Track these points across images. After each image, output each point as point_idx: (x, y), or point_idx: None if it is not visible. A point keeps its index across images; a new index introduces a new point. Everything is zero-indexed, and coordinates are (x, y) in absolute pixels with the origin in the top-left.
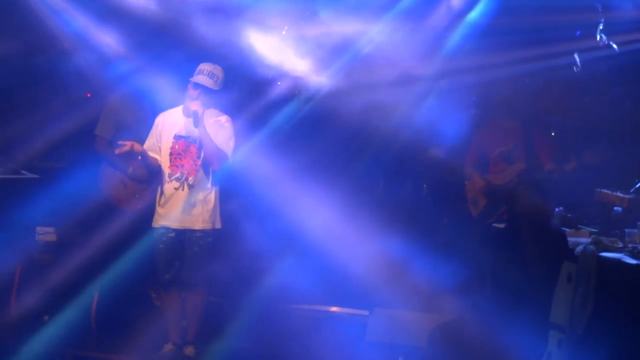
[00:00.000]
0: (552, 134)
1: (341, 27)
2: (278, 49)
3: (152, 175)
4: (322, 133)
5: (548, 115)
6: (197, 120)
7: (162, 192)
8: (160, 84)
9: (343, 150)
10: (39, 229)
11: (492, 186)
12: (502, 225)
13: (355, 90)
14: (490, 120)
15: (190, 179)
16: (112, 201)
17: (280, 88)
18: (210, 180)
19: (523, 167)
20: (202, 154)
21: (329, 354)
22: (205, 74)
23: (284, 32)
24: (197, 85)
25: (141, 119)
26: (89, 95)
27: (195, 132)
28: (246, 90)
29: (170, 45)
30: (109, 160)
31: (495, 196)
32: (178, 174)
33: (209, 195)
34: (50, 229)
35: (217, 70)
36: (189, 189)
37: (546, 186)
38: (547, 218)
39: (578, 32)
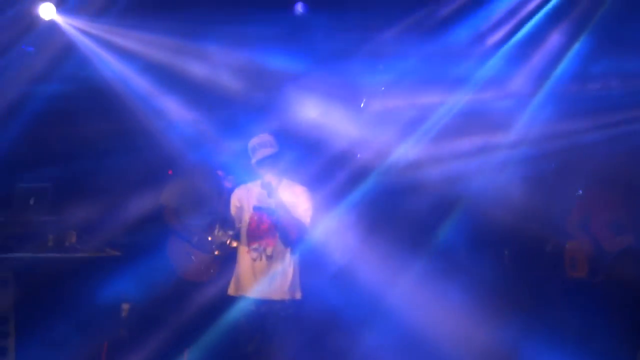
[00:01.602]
0: None
1: (418, 98)
2: (357, 122)
3: (219, 246)
4: (403, 203)
5: None
6: (270, 191)
7: (240, 263)
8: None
9: (424, 220)
10: (124, 305)
11: (599, 250)
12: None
13: (433, 161)
14: (592, 186)
15: (268, 250)
16: (183, 275)
17: (359, 160)
18: (288, 251)
19: (631, 242)
20: (279, 225)
21: None
22: (258, 147)
23: (362, 105)
24: (259, 163)
25: (207, 187)
26: (170, 172)
27: (272, 204)
28: (326, 162)
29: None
30: (176, 231)
31: (599, 260)
32: (256, 245)
33: (288, 266)
34: (129, 305)
35: (264, 137)
36: (267, 260)
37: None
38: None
39: None
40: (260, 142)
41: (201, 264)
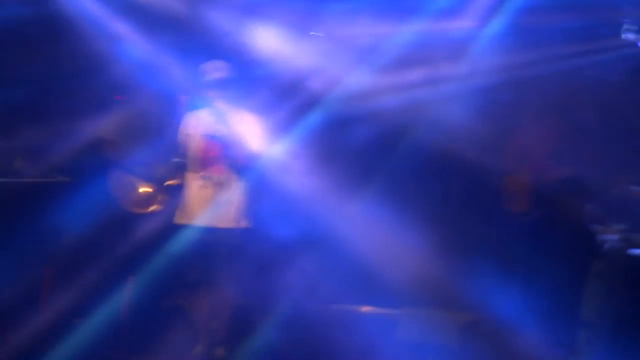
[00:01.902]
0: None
1: (371, 27)
2: (307, 50)
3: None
4: (352, 133)
5: (586, 116)
6: (220, 117)
7: (188, 190)
8: (180, 86)
9: (373, 150)
10: (67, 232)
11: (536, 184)
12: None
13: (384, 91)
14: (532, 119)
15: (216, 177)
16: (128, 205)
17: (309, 89)
18: (236, 179)
19: (571, 172)
20: (229, 152)
21: (361, 354)
22: (211, 71)
23: (313, 32)
24: (210, 85)
25: (155, 122)
26: (118, 97)
27: (222, 131)
28: (275, 91)
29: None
30: (118, 162)
31: (536, 194)
32: (204, 173)
33: (235, 194)
34: (77, 232)
35: (218, 63)
36: (215, 187)
37: (585, 184)
38: (579, 215)
39: (603, 31)
40: (213, 66)
41: (145, 195)
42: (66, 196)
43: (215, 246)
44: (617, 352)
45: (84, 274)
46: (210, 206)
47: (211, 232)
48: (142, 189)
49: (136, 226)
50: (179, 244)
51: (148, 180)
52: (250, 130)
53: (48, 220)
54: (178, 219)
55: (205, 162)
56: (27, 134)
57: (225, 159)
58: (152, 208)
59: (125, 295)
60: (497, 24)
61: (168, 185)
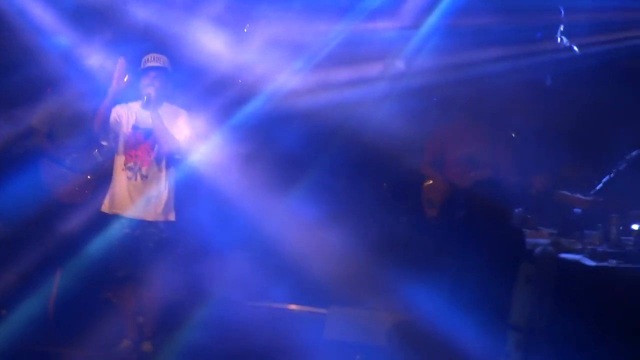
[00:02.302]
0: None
1: (303, 26)
2: (238, 47)
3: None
4: (282, 131)
5: (512, 119)
6: (149, 103)
7: (115, 181)
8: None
9: (303, 149)
10: None
11: (453, 188)
12: (460, 225)
13: (315, 90)
14: (452, 120)
15: (143, 169)
16: (56, 196)
17: (239, 86)
18: (164, 172)
19: (489, 174)
20: (156, 145)
21: (286, 352)
22: (150, 60)
23: (245, 30)
24: (147, 70)
25: (83, 113)
26: (49, 90)
27: (151, 124)
28: (205, 88)
29: (121, 38)
30: (47, 153)
31: (454, 198)
32: (131, 164)
33: (163, 187)
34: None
35: (159, 55)
36: (142, 179)
37: (505, 186)
38: (506, 218)
39: (539, 34)
40: (153, 56)
41: (74, 185)
42: None
43: (141, 239)
44: (547, 357)
45: (11, 265)
46: (137, 198)
47: (137, 225)
48: (71, 180)
49: (65, 217)
50: (105, 236)
51: (77, 170)
52: (179, 126)
53: None
54: (105, 209)
55: (132, 153)
56: None
57: (153, 151)
58: (81, 199)
59: (53, 287)
60: (429, 25)
61: (96, 176)
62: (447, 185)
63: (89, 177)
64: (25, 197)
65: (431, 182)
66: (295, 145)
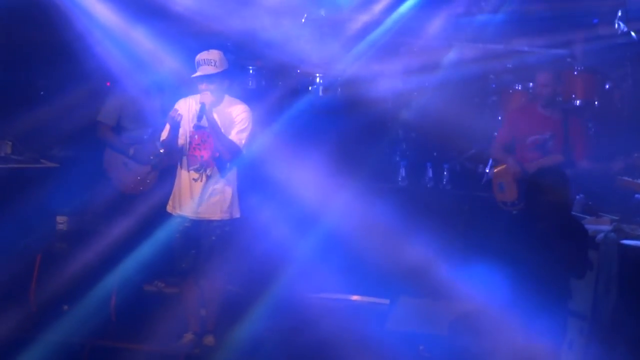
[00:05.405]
0: (589, 126)
1: (360, 15)
2: (297, 37)
3: (157, 157)
4: (342, 121)
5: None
6: (202, 113)
7: (180, 181)
8: (172, 72)
9: (363, 138)
10: (58, 218)
11: (526, 173)
12: (524, 212)
13: (374, 78)
14: (522, 105)
15: (208, 170)
16: (120, 187)
17: (299, 76)
18: (226, 171)
19: (560, 160)
20: (217, 143)
21: (349, 343)
22: (202, 63)
23: (303, 20)
24: (199, 79)
25: (148, 107)
26: (108, 84)
27: (212, 121)
28: (266, 79)
29: (186, 35)
30: (111, 145)
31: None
32: (197, 165)
33: (227, 185)
34: (65, 218)
35: (213, 54)
36: (207, 180)
37: (568, 173)
38: (568, 206)
39: (595, 20)
40: (206, 58)
41: (138, 176)
42: (57, 181)
43: (204, 233)
44: (612, 345)
45: (76, 260)
46: (203, 200)
47: (202, 224)
48: (135, 171)
49: (128, 209)
50: (169, 232)
51: (140, 162)
52: (238, 121)
53: (40, 205)
54: (169, 209)
55: (196, 154)
56: (15, 119)
57: (215, 149)
58: (144, 190)
59: (115, 281)
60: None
61: (157, 168)
62: (519, 169)
63: (152, 167)
64: (91, 187)
65: (502, 166)
66: (355, 135)
